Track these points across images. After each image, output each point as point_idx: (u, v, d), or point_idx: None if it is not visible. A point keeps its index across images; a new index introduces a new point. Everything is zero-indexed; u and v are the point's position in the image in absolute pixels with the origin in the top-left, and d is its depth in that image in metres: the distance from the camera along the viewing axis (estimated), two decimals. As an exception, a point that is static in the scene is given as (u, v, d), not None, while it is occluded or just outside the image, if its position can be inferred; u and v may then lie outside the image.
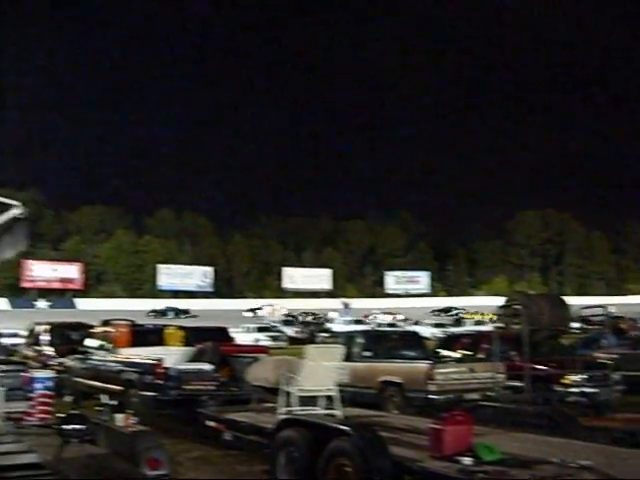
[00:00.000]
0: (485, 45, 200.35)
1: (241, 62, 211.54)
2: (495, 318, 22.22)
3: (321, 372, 11.10)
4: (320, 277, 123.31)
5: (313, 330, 56.93)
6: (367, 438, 8.29)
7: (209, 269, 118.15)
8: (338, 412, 11.09)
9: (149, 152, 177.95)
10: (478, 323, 58.72)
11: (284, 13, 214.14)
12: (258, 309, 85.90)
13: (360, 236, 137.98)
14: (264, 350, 18.43)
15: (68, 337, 25.77)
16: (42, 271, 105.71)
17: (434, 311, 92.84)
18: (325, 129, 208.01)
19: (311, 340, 47.37)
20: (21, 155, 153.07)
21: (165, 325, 18.72)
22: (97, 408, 11.10)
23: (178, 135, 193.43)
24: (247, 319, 66.23)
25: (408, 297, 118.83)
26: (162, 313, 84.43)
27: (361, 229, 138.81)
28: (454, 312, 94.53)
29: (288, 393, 11.00)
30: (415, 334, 22.93)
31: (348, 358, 14.48)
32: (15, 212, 6.42)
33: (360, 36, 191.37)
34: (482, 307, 71.63)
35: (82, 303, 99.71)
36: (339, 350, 11.67)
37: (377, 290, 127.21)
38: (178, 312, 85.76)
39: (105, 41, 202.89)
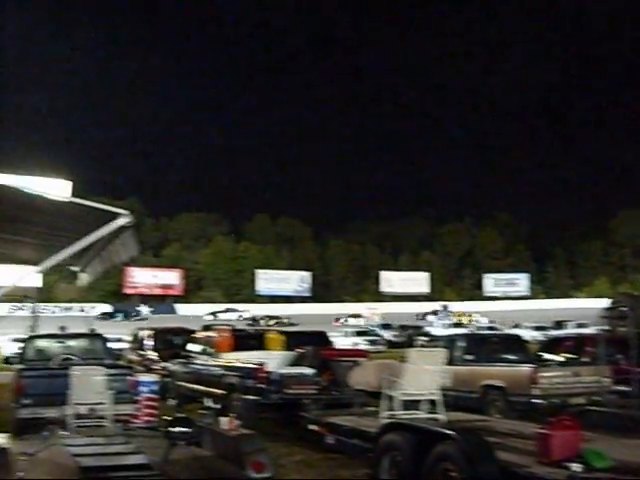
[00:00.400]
0: (591, 36, 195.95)
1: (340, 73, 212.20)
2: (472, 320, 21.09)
3: (424, 376, 10.98)
4: (417, 280, 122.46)
5: (411, 334, 56.59)
6: (473, 442, 8.14)
7: (306, 274, 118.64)
8: (441, 416, 10.94)
9: (245, 159, 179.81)
10: (458, 325, 58.64)
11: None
12: (221, 312, 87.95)
13: (457, 238, 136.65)
14: (364, 354, 18.38)
15: (170, 342, 26.27)
16: (143, 278, 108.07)
17: (419, 314, 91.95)
18: (424, 133, 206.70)
19: (409, 344, 47.09)
20: (120, 165, 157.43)
21: (266, 330, 18.86)
22: (201, 411, 11.24)
23: (273, 142, 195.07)
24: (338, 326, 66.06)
25: (507, 300, 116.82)
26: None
27: (458, 231, 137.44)
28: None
29: (391, 397, 10.90)
30: (517, 337, 22.58)
31: (449, 362, 14.30)
32: (123, 221, 6.55)
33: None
34: (584, 310, 69.57)
35: (182, 308, 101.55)
36: (442, 353, 11.53)
37: (475, 293, 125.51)
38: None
39: (195, 61, 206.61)
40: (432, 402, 11.18)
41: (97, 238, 6.89)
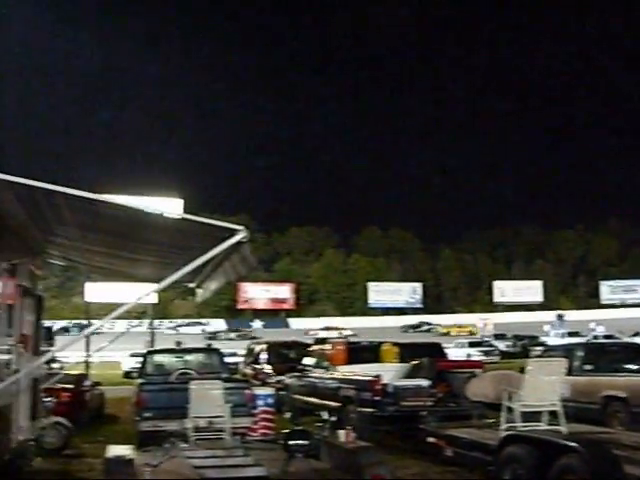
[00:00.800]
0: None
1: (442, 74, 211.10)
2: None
3: (544, 386, 10.69)
4: (531, 289, 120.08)
5: (526, 344, 55.53)
6: (599, 455, 7.90)
7: (418, 285, 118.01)
8: (563, 428, 10.63)
9: (354, 171, 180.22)
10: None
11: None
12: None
13: (570, 245, 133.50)
14: (479, 365, 18.05)
15: (285, 355, 26.50)
16: (256, 292, 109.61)
17: (404, 326, 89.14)
18: (528, 141, 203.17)
19: (524, 354, 46.13)
20: (229, 182, 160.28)
21: (381, 342, 18.78)
22: (317, 424, 11.25)
23: (382, 154, 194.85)
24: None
25: (625, 307, 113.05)
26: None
27: (571, 238, 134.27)
28: (425, 327, 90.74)
29: (510, 408, 10.67)
30: (638, 346, 21.81)
31: (568, 372, 13.93)
32: (240, 236, 6.63)
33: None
34: None
35: (295, 322, 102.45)
36: (562, 364, 11.21)
37: (591, 301, 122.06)
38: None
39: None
40: (553, 413, 10.88)
41: (215, 254, 6.98)
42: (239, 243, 6.79)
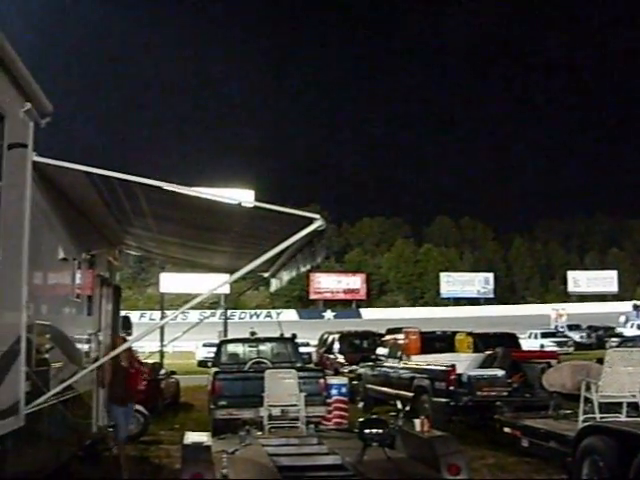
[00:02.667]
0: None
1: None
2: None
3: (624, 377, 10.46)
4: (606, 279, 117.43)
5: (601, 335, 54.51)
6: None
7: (490, 275, 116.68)
8: (644, 420, 10.38)
9: (424, 161, 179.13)
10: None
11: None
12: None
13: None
14: (554, 356, 17.80)
15: (357, 345, 26.54)
16: (328, 283, 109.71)
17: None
18: (601, 127, 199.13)
19: (599, 345, 45.30)
20: (300, 173, 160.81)
21: (455, 332, 18.65)
22: (391, 414, 11.22)
23: (453, 145, 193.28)
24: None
25: None
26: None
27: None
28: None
29: (588, 399, 10.47)
30: None
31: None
32: (317, 225, 6.62)
33: None
34: None
35: (366, 313, 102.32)
36: (643, 354, 10.92)
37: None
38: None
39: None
40: (632, 405, 10.64)
41: (291, 243, 7.00)
42: (315, 232, 6.79)
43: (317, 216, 6.57)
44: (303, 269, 9.30)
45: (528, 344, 41.35)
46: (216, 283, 12.63)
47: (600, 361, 11.20)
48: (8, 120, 6.01)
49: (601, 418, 10.08)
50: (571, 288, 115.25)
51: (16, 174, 6.31)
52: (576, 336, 55.76)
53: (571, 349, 48.03)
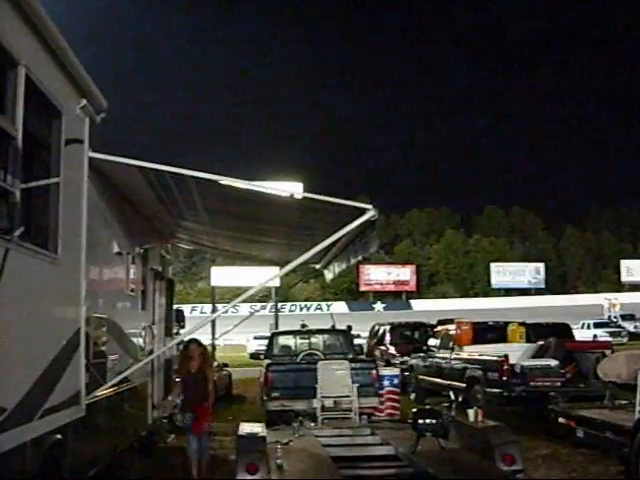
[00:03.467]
0: None
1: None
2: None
3: (683, 367, 10.31)
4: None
5: (658, 325, 53.69)
6: None
7: (541, 265, 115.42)
8: None
9: (472, 152, 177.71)
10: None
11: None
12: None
13: None
14: (608, 346, 17.60)
15: (408, 336, 26.48)
16: (377, 275, 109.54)
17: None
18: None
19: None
20: (347, 166, 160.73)
21: (507, 322, 18.53)
22: (443, 405, 11.20)
23: (500, 132, 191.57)
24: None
25: None
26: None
27: None
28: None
29: (645, 389, 10.34)
30: None
31: None
32: (369, 215, 6.64)
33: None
34: None
35: (416, 304, 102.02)
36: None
37: None
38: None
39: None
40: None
41: (343, 234, 7.02)
42: (368, 222, 6.80)
43: (369, 206, 6.58)
44: (355, 260, 9.31)
45: (581, 334, 40.88)
46: (267, 276, 12.73)
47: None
48: (65, 116, 6.12)
49: (658, 409, 9.96)
50: (624, 277, 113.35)
51: (73, 170, 6.43)
52: (630, 326, 54.90)
53: (625, 339, 47.32)
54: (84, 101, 6.56)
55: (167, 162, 6.98)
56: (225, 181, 6.84)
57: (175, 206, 9.48)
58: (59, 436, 6.04)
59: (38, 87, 5.44)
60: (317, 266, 12.78)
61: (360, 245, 8.11)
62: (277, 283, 31.13)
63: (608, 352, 15.17)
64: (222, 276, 33.90)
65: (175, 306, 15.33)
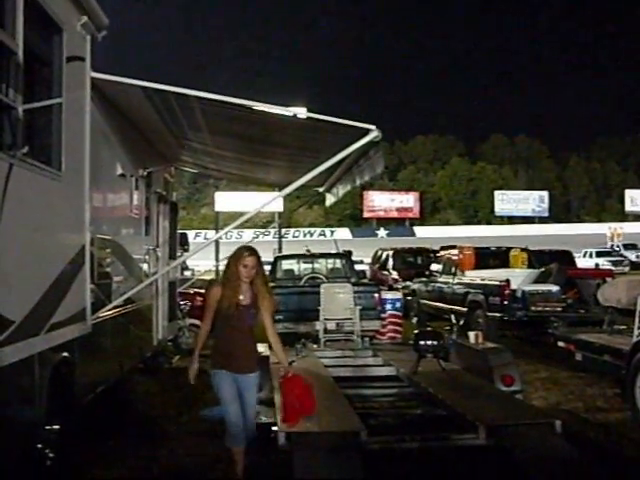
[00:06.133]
0: None
1: None
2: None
3: (681, 293, 10.35)
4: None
5: (660, 254, 53.85)
6: None
7: (545, 194, 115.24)
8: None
9: (477, 79, 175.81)
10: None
11: None
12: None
13: None
14: (610, 274, 17.68)
15: (411, 262, 26.64)
16: (381, 201, 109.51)
17: None
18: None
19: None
20: (353, 91, 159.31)
21: (509, 248, 18.61)
22: (445, 328, 11.31)
23: (506, 60, 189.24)
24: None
25: None
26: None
27: None
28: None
29: (643, 314, 10.41)
30: None
31: None
32: (372, 135, 6.61)
33: None
34: None
35: (419, 231, 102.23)
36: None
37: None
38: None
39: None
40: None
41: (345, 155, 7.00)
42: (371, 143, 6.78)
43: (373, 127, 6.55)
44: (361, 181, 9.29)
45: (583, 263, 41.04)
46: (269, 199, 12.73)
47: (657, 277, 11.11)
48: (66, 33, 6.06)
49: (657, 333, 10.04)
50: (628, 207, 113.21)
51: (75, 88, 6.38)
52: (632, 255, 55.10)
53: (627, 268, 47.50)
54: (85, 18, 6.49)
55: (170, 83, 6.94)
56: (226, 99, 6.79)
57: (179, 127, 9.43)
58: (66, 354, 6.14)
59: (38, 1, 5.38)
60: (320, 189, 12.76)
61: (366, 166, 8.09)
62: (280, 208, 31.19)
63: (609, 279, 15.25)
64: (226, 201, 33.99)
65: (179, 231, 15.36)
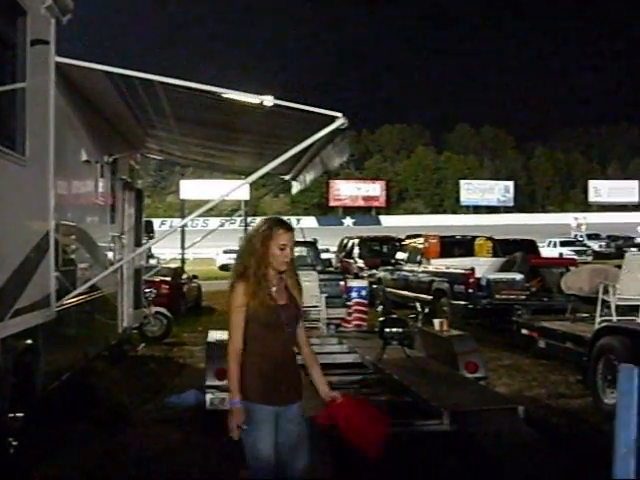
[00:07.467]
0: None
1: None
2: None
3: (642, 281, 10.52)
4: (627, 189, 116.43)
5: (620, 245, 54.47)
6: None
7: (510, 183, 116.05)
8: (659, 322, 10.49)
9: (446, 68, 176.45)
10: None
11: None
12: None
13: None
14: (573, 263, 17.89)
15: (376, 250, 26.75)
16: (347, 190, 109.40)
17: None
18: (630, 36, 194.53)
19: (618, 255, 45.19)
20: (321, 80, 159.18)
21: (474, 236, 18.75)
22: (410, 316, 11.38)
23: (476, 49, 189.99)
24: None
25: None
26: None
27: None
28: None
29: (605, 302, 10.58)
30: None
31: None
32: (339, 122, 6.61)
33: None
34: None
35: (385, 220, 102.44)
36: (661, 258, 10.94)
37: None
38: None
39: None
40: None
41: (311, 142, 7.00)
42: (337, 131, 6.79)
43: (339, 114, 6.55)
44: (326, 169, 9.29)
45: (547, 252, 41.45)
46: (234, 186, 12.69)
47: (619, 266, 11.26)
48: (30, 16, 5.98)
49: (617, 320, 10.20)
50: (592, 198, 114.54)
51: (40, 73, 6.31)
52: (595, 245, 55.85)
53: (590, 258, 48.08)
54: (49, 1, 6.39)
55: (137, 68, 6.89)
56: (191, 85, 6.76)
57: (144, 113, 9.37)
58: (30, 341, 6.10)
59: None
60: (287, 177, 12.74)
61: (332, 153, 8.09)
62: (247, 196, 31.09)
63: (573, 268, 15.43)
64: (191, 189, 33.80)
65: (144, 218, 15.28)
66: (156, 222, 57.50)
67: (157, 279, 17.13)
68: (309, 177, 10.97)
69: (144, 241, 14.08)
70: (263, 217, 4.73)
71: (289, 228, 4.48)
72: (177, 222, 56.01)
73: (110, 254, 10.57)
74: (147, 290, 14.57)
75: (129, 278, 12.15)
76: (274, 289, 4.38)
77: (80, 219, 8.59)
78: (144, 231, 14.43)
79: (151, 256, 28.55)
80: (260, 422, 4.21)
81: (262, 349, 4.30)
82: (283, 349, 4.38)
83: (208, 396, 7.59)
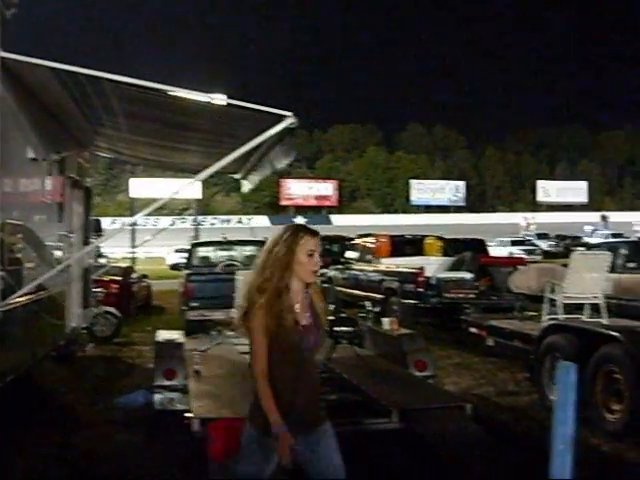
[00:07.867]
0: None
1: None
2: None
3: (587, 280, 10.69)
4: (575, 190, 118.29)
5: (569, 244, 55.27)
6: (639, 345, 7.96)
7: (461, 183, 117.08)
8: (604, 321, 10.67)
9: (398, 67, 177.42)
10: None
11: None
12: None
13: (618, 146, 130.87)
14: (522, 262, 18.09)
15: (327, 249, 26.76)
16: (299, 189, 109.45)
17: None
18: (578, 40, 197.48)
19: (567, 254, 45.83)
20: (272, 79, 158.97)
21: (424, 236, 18.88)
22: (361, 315, 11.43)
23: (428, 50, 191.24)
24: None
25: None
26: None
27: (618, 139, 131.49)
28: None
29: (552, 300, 10.73)
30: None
31: (611, 269, 13.85)
32: (289, 122, 6.61)
33: None
34: None
35: (336, 219, 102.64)
36: (606, 258, 11.12)
37: (638, 203, 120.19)
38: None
39: None
40: (595, 307, 10.91)
41: (261, 141, 7.00)
42: (287, 130, 6.79)
43: (289, 114, 6.55)
44: (273, 169, 9.30)
45: (497, 251, 41.86)
46: (186, 187, 12.60)
47: (566, 265, 11.43)
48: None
49: (564, 319, 10.35)
50: (541, 198, 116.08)
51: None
52: (544, 245, 56.65)
53: (539, 257, 48.69)
54: (-9, -6, 6.31)
55: (84, 65, 6.80)
56: (140, 83, 6.70)
57: (92, 110, 9.25)
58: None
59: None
60: (237, 176, 12.70)
61: (279, 153, 8.10)
62: (199, 195, 31.00)
63: (521, 267, 15.60)
64: (141, 188, 33.65)
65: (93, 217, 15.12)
66: (106, 221, 57.01)
67: (106, 278, 16.97)
68: (258, 176, 10.95)
69: (93, 240, 13.93)
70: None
71: (315, 233, 4.05)
72: (127, 221, 55.58)
73: (58, 253, 10.42)
74: (96, 289, 14.42)
75: (77, 277, 12.00)
76: (297, 306, 3.89)
77: (26, 218, 8.46)
78: (93, 230, 14.28)
79: (100, 255, 28.25)
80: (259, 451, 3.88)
81: (286, 375, 3.82)
82: (307, 375, 3.91)
83: (157, 396, 7.53)
